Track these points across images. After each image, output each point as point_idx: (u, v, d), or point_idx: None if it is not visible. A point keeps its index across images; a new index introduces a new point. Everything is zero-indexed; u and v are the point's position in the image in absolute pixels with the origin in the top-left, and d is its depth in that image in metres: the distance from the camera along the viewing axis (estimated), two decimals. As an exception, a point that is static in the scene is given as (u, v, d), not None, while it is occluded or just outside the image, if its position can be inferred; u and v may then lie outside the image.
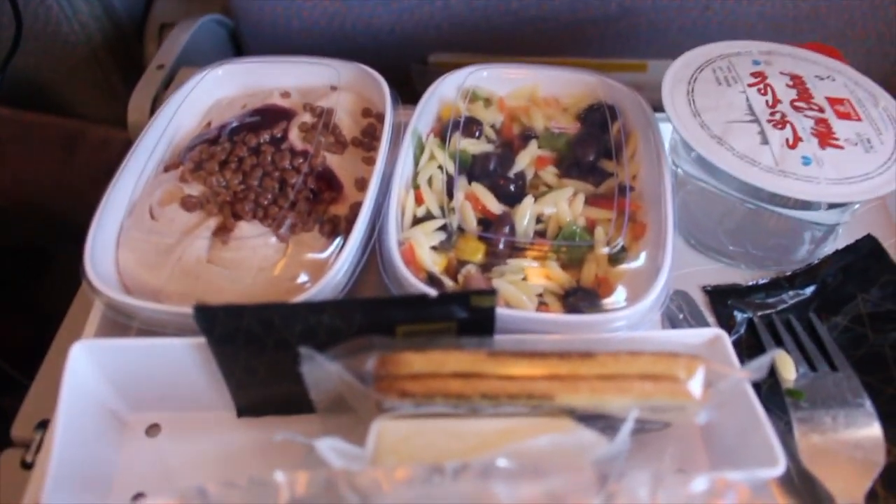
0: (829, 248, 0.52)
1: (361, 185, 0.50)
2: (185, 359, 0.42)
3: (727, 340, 0.41)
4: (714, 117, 0.49)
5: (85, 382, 0.41)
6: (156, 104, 0.63)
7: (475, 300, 0.38)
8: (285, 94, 0.56)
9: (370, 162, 0.51)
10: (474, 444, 0.36)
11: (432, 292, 0.41)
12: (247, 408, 0.44)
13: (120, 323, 0.46)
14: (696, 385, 0.36)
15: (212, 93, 0.57)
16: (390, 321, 0.38)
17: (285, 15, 0.70)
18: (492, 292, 0.38)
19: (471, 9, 0.68)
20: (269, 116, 0.53)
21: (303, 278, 0.44)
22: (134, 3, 0.82)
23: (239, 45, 0.79)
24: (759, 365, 0.36)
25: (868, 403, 0.44)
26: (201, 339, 0.40)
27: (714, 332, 0.42)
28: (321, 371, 0.36)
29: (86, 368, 0.41)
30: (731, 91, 0.51)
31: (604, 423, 0.37)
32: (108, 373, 0.42)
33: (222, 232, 0.47)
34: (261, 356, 0.40)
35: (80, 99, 0.85)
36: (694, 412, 0.37)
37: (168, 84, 0.65)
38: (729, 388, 0.37)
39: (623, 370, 0.36)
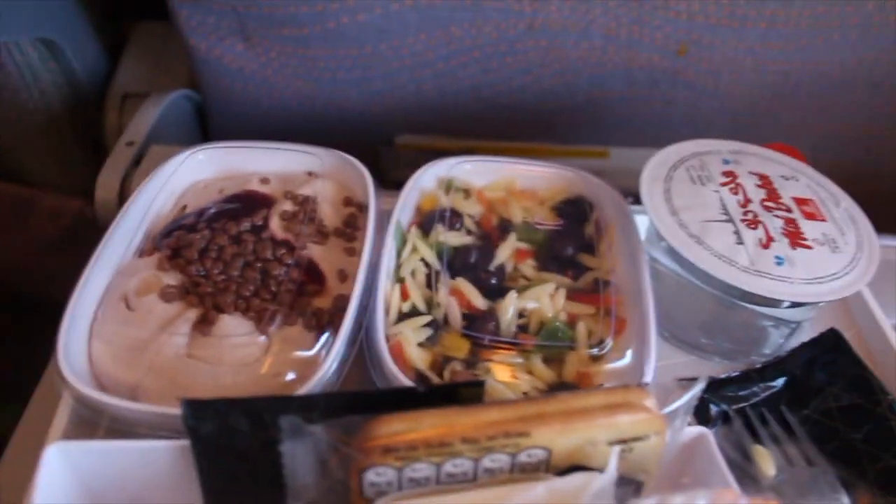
0: (795, 341, 0.54)
1: (343, 276, 0.49)
2: (165, 462, 0.40)
3: (711, 438, 0.43)
4: (691, 216, 0.51)
5: (57, 487, 0.39)
6: (125, 182, 0.62)
7: (464, 392, 0.39)
8: (264, 180, 0.55)
9: (351, 253, 0.51)
10: (474, 511, 0.36)
11: (420, 386, 0.41)
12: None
13: (89, 417, 0.45)
14: (652, 407, 0.38)
15: (188, 175, 0.56)
16: (380, 414, 0.38)
17: (255, 94, 0.70)
18: (479, 384, 0.39)
19: (442, 94, 0.69)
20: (249, 203, 0.53)
21: (290, 376, 0.43)
22: (96, 72, 0.81)
23: (203, 120, 0.78)
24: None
25: (845, 499, 0.45)
26: (184, 443, 0.39)
27: (698, 430, 0.43)
28: (302, 446, 0.35)
29: (60, 471, 0.40)
30: (705, 190, 0.53)
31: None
32: (81, 476, 0.41)
33: (203, 325, 0.45)
34: (245, 458, 0.39)
35: (32, 167, 0.83)
36: (660, 442, 0.38)
37: (138, 161, 0.64)
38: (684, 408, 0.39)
39: (585, 404, 0.37)
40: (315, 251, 0.50)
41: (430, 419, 0.36)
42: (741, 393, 0.52)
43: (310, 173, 0.56)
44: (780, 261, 0.48)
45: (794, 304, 0.50)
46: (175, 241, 0.50)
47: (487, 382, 0.43)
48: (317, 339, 0.45)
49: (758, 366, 0.53)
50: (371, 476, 0.36)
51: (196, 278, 0.48)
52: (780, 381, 0.52)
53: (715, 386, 0.52)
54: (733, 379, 0.52)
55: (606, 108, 0.70)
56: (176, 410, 0.41)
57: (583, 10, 0.62)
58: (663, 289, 0.54)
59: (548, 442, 0.36)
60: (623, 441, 0.38)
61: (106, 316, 0.47)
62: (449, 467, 0.36)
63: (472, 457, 0.36)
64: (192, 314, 0.46)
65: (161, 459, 0.40)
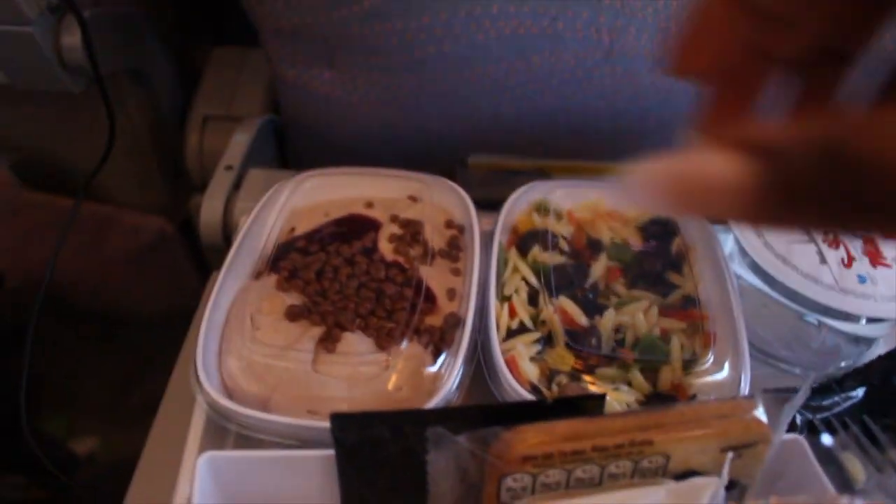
0: (872, 354, 0.57)
1: (451, 295, 0.53)
2: (306, 471, 0.44)
3: (806, 444, 0.46)
4: (776, 237, 0.54)
5: (207, 496, 0.43)
6: (228, 205, 0.65)
7: (586, 404, 0.42)
8: (369, 204, 0.59)
9: (456, 273, 0.55)
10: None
11: (548, 399, 0.45)
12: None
13: (218, 431, 0.48)
14: (760, 417, 0.41)
15: (295, 200, 0.59)
16: (513, 424, 0.41)
17: (338, 119, 0.73)
18: (601, 397, 0.42)
19: (517, 118, 0.73)
20: (356, 226, 0.57)
21: (414, 392, 0.47)
22: (176, 95, 0.85)
23: (282, 141, 0.82)
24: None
25: (932, 503, 0.48)
26: (324, 452, 0.43)
27: (793, 437, 0.46)
28: (445, 454, 0.39)
29: (208, 480, 0.43)
30: (786, 212, 0.56)
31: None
32: (225, 485, 0.44)
33: (328, 342, 0.49)
34: (384, 467, 0.42)
35: (116, 188, 0.87)
36: (764, 449, 0.41)
37: (238, 184, 0.68)
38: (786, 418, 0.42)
39: (699, 414, 0.40)
40: (424, 272, 0.54)
41: (562, 430, 0.40)
42: (824, 402, 0.55)
43: (411, 197, 0.60)
44: (862, 279, 0.51)
45: (872, 321, 0.53)
46: (290, 263, 0.54)
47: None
48: (434, 356, 0.49)
49: (837, 377, 0.56)
50: (509, 482, 0.39)
51: (315, 298, 0.51)
52: (859, 392, 0.55)
53: (799, 397, 0.55)
54: (815, 390, 0.55)
55: (676, 129, 0.73)
56: (309, 422, 0.45)
57: (658, 38, 0.66)
58: (745, 304, 0.57)
59: (668, 449, 0.40)
60: (734, 448, 0.41)
61: (234, 333, 0.50)
62: (578, 473, 0.39)
63: (600, 463, 0.39)
64: (316, 332, 0.49)
65: (302, 468, 0.44)
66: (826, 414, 0.54)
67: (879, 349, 0.57)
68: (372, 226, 0.57)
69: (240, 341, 0.50)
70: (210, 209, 0.64)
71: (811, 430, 0.53)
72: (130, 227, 0.88)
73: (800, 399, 0.43)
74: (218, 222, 0.64)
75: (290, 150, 0.82)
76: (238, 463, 0.44)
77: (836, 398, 0.55)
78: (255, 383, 0.48)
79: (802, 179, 0.19)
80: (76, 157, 0.83)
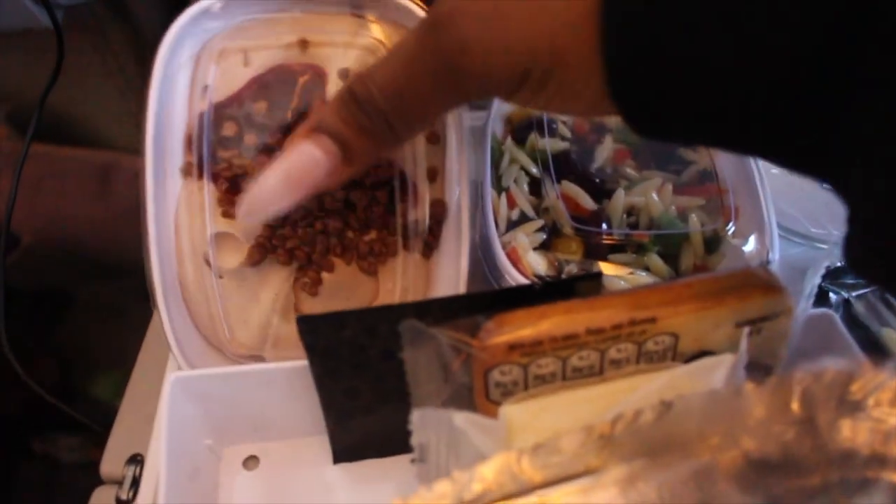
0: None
1: (433, 175, 0.44)
2: (283, 385, 0.41)
3: (837, 318, 0.41)
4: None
5: (183, 415, 0.40)
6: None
7: (581, 286, 0.38)
8: (302, 44, 0.44)
9: (433, 140, 0.44)
10: (604, 404, 0.35)
11: (537, 282, 0.41)
12: (343, 450, 0.42)
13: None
14: (777, 283, 0.35)
15: (200, 39, 0.46)
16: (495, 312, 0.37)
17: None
18: (597, 276, 0.38)
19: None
20: (291, 86, 0.44)
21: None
22: (161, 27, 0.81)
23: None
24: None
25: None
26: (299, 363, 0.39)
27: (822, 311, 0.41)
28: (423, 351, 0.35)
29: (183, 401, 0.40)
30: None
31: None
32: (204, 404, 0.41)
33: (309, 287, 0.44)
34: (364, 373, 0.38)
35: (111, 131, 0.84)
36: (787, 322, 0.36)
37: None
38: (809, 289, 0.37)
39: (708, 286, 0.35)
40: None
41: (553, 312, 0.35)
42: (860, 279, 0.50)
43: (356, 14, 0.45)
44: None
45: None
46: (227, 169, 0.43)
47: (605, 277, 0.42)
48: (424, 255, 0.44)
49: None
50: (496, 375, 0.35)
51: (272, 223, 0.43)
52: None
53: (833, 274, 0.50)
54: (850, 266, 0.50)
55: None
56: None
57: None
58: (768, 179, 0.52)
59: (675, 327, 0.35)
60: (751, 321, 0.36)
61: (193, 279, 0.43)
62: (575, 361, 0.35)
63: (598, 348, 0.35)
64: (288, 272, 0.44)
65: (280, 381, 0.41)
66: (864, 290, 0.49)
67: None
68: (316, 81, 0.43)
69: (203, 291, 0.43)
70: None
71: (847, 309, 0.49)
72: (131, 172, 0.84)
73: (823, 262, 0.38)
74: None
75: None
76: (211, 381, 0.41)
77: (876, 274, 0.50)
78: (241, 344, 0.44)
79: (348, 119, 0.31)
80: (68, 101, 0.80)
